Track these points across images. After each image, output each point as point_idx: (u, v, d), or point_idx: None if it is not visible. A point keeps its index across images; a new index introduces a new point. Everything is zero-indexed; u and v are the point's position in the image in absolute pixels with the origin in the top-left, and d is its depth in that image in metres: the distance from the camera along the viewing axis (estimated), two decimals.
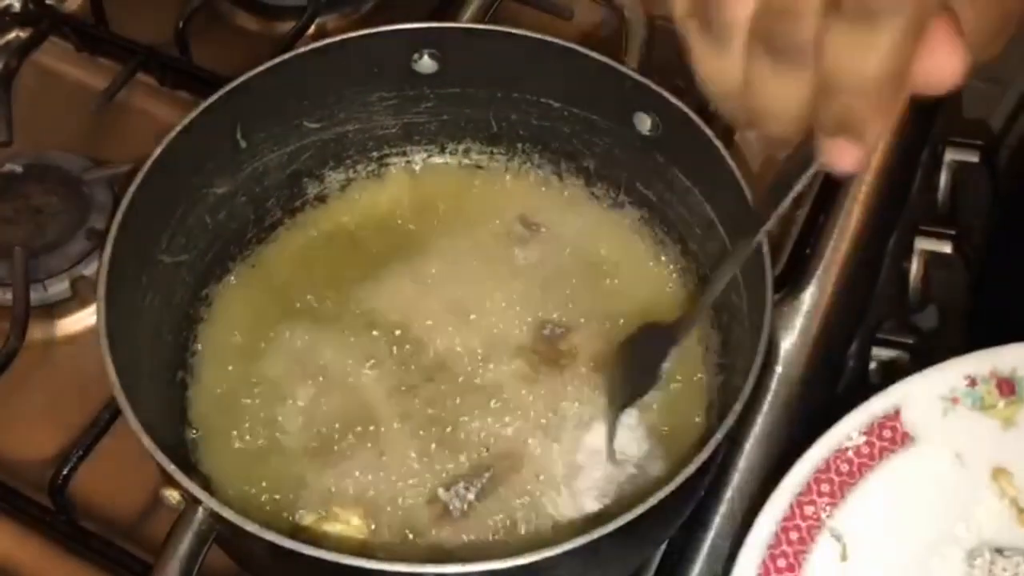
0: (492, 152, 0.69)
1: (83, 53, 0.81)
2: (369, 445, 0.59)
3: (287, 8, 0.82)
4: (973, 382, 0.52)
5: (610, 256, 0.65)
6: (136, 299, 0.57)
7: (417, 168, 0.69)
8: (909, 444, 0.51)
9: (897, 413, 0.52)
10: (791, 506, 0.49)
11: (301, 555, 0.46)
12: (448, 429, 0.59)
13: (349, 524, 0.56)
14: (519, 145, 0.68)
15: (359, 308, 0.63)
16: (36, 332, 0.68)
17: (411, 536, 0.56)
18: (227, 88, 0.60)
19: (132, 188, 0.56)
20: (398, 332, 0.62)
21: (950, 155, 0.82)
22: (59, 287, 0.69)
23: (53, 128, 0.77)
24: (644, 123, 0.62)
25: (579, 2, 0.79)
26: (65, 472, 0.60)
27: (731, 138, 0.75)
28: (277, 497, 0.57)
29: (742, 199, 0.56)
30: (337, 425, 0.59)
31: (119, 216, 0.55)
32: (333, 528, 0.56)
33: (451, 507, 0.57)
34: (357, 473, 0.58)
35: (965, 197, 0.83)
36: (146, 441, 0.49)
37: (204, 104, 0.59)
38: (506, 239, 0.66)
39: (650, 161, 0.63)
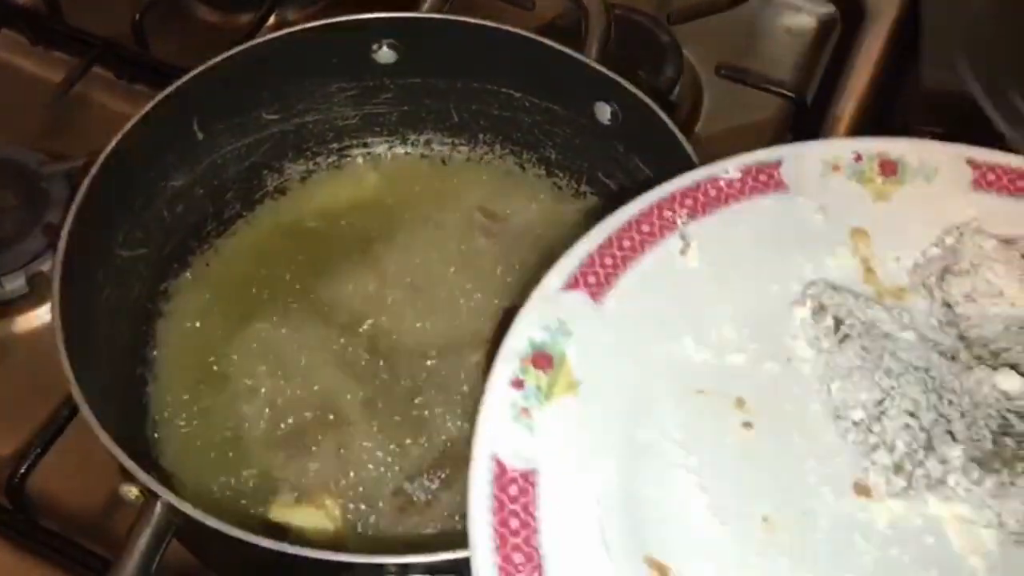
0: (453, 143, 0.69)
1: (38, 46, 0.80)
2: (333, 438, 0.59)
3: (246, 0, 0.82)
4: (859, 157, 0.54)
5: (571, 245, 0.65)
6: (93, 294, 0.57)
7: (378, 159, 0.69)
8: (781, 191, 0.53)
9: (778, 163, 0.53)
10: (651, 207, 0.51)
11: (260, 548, 0.46)
12: (412, 421, 0.59)
13: (323, 506, 0.55)
14: (480, 135, 0.68)
15: (321, 301, 0.63)
16: None
17: (375, 527, 0.56)
18: (184, 79, 0.60)
19: (87, 182, 0.56)
20: (360, 324, 0.62)
21: None
22: (15, 284, 0.68)
23: (8, 123, 0.76)
24: (604, 112, 0.62)
25: None
26: (23, 471, 0.59)
27: (691, 127, 0.76)
28: (241, 491, 0.57)
29: None
30: (300, 419, 0.59)
31: (73, 210, 0.55)
32: (306, 514, 0.55)
33: (415, 498, 0.57)
34: (322, 466, 0.58)
35: None
36: (103, 436, 0.49)
37: (160, 96, 0.59)
38: (468, 229, 0.66)
39: (611, 150, 0.63)
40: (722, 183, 0.52)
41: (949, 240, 0.53)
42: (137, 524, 0.48)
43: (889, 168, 0.54)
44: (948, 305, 0.51)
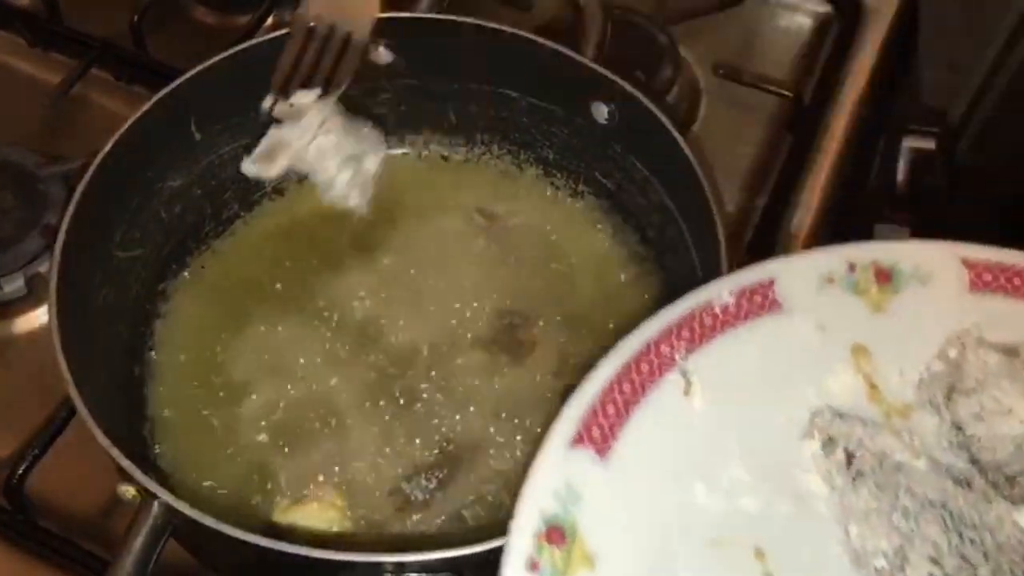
0: (451, 143, 0.69)
1: (36, 48, 0.80)
2: (331, 438, 0.59)
3: (244, 1, 0.82)
4: (852, 267, 0.53)
5: (569, 246, 0.65)
6: (90, 295, 0.57)
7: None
8: (777, 311, 0.52)
9: (772, 282, 0.52)
10: (647, 344, 0.50)
11: (257, 547, 0.46)
12: (409, 420, 0.59)
13: (323, 502, 0.55)
14: (478, 136, 0.68)
15: (319, 301, 0.63)
16: None
17: (372, 527, 0.56)
18: (181, 80, 0.60)
19: (84, 182, 0.56)
20: (358, 324, 0.62)
21: (908, 143, 0.83)
22: (14, 285, 0.68)
23: (6, 124, 0.76)
24: (601, 113, 0.62)
25: None
26: (21, 471, 0.59)
27: (688, 127, 0.76)
28: (238, 490, 0.57)
29: (699, 188, 0.56)
30: (298, 418, 0.59)
31: (70, 211, 0.55)
32: (306, 513, 0.55)
33: (412, 498, 0.57)
34: (319, 466, 0.58)
35: (923, 184, 0.84)
36: (101, 438, 0.49)
37: (157, 96, 0.59)
38: (466, 230, 0.66)
39: (608, 150, 0.63)
40: (717, 310, 0.51)
41: (952, 353, 0.52)
42: (134, 524, 0.48)
43: (884, 276, 0.53)
44: (957, 427, 0.50)
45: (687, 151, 0.57)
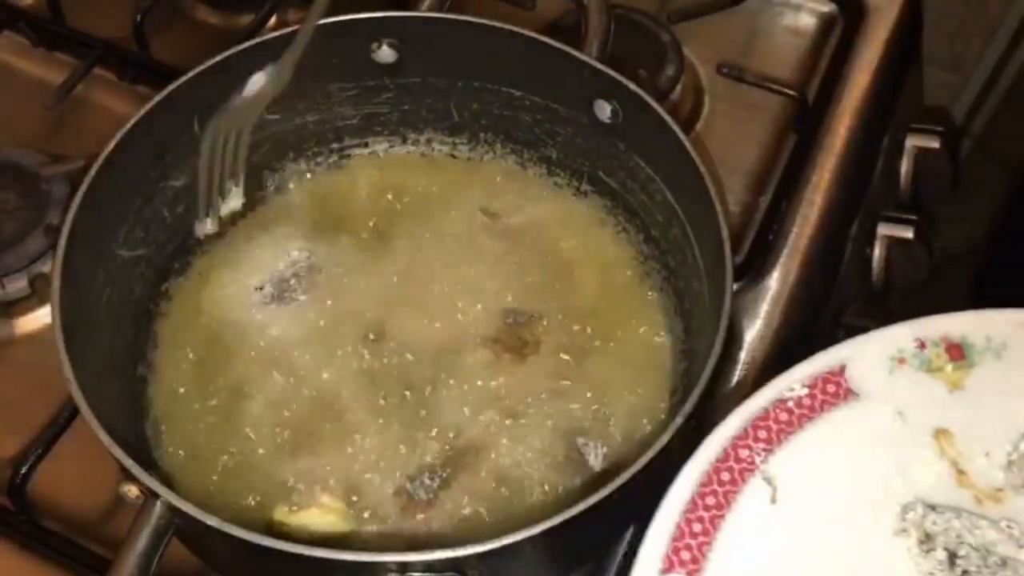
0: (454, 142, 0.69)
1: (39, 48, 0.80)
2: (335, 438, 0.59)
3: (247, 0, 0.82)
4: (922, 345, 0.52)
5: (573, 245, 0.65)
6: (93, 295, 0.57)
7: (379, 159, 0.69)
8: (852, 399, 0.51)
9: (842, 369, 0.51)
10: (725, 449, 0.49)
11: (260, 547, 0.46)
12: (414, 420, 0.59)
13: (325, 507, 0.55)
14: (481, 135, 0.68)
15: (322, 300, 0.63)
16: None
17: (377, 526, 0.56)
18: (184, 79, 0.60)
19: (87, 181, 0.56)
20: (362, 323, 0.62)
21: (911, 141, 0.83)
22: (17, 285, 0.68)
23: (9, 124, 0.76)
24: (604, 111, 0.62)
25: None
26: (24, 471, 0.59)
27: (692, 126, 0.76)
28: (241, 490, 0.57)
29: (702, 187, 0.56)
30: (302, 418, 0.59)
31: (73, 210, 0.55)
32: (310, 515, 0.55)
33: (417, 497, 0.57)
34: (323, 466, 0.58)
35: (926, 184, 0.84)
36: (104, 438, 0.49)
37: (160, 96, 0.59)
38: (469, 229, 0.66)
39: (611, 149, 0.63)
40: (791, 404, 0.50)
41: None
42: (137, 524, 0.48)
43: (956, 352, 0.52)
44: None
45: (691, 150, 0.57)
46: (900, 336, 0.52)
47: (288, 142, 0.67)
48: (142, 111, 0.58)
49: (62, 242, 0.54)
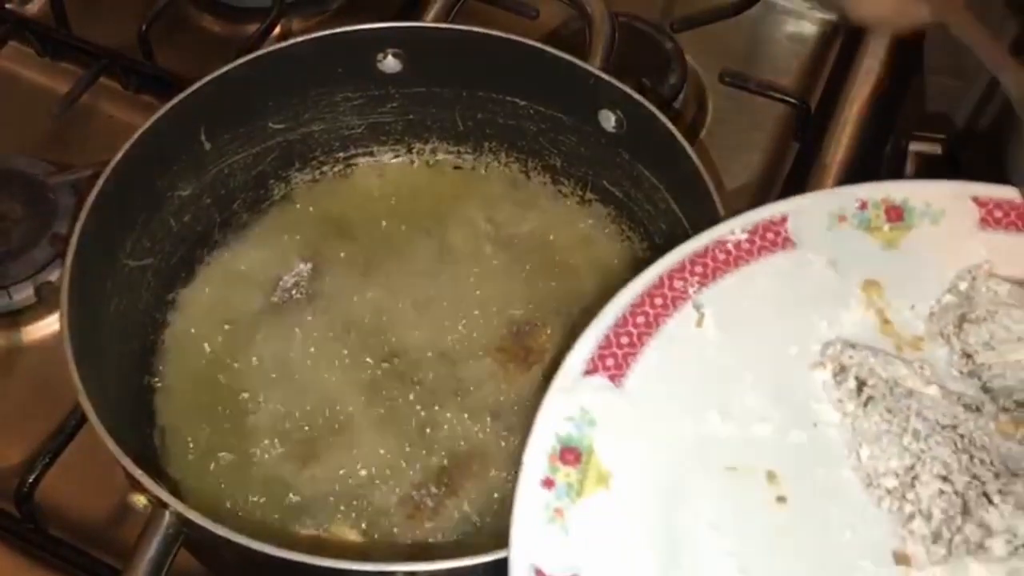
0: (459, 151, 0.69)
1: (45, 58, 0.80)
2: (340, 446, 0.59)
3: (251, 10, 0.82)
4: (864, 205, 0.53)
5: (577, 253, 0.65)
6: (101, 304, 0.57)
7: (384, 168, 0.69)
8: (789, 247, 0.52)
9: (784, 219, 0.53)
10: (661, 278, 0.50)
11: (268, 556, 0.46)
12: (419, 428, 0.59)
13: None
14: (486, 144, 0.68)
15: (328, 309, 0.63)
16: (0, 339, 0.68)
17: (383, 535, 0.56)
18: (190, 90, 0.60)
19: (94, 192, 0.56)
20: (367, 332, 0.62)
21: (914, 148, 0.83)
22: (24, 293, 0.68)
23: (15, 133, 0.77)
24: (609, 120, 0.62)
25: (544, 1, 0.79)
26: (31, 480, 0.59)
27: (695, 134, 0.76)
28: (248, 498, 0.57)
29: (706, 195, 0.56)
30: (308, 427, 0.59)
31: (81, 221, 0.55)
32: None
33: (423, 505, 0.57)
34: (329, 474, 0.58)
35: None
36: (112, 447, 0.49)
37: (167, 106, 0.59)
38: (473, 238, 0.66)
39: (616, 158, 0.63)
40: (730, 246, 0.52)
41: (963, 285, 0.52)
42: (145, 533, 0.48)
43: (895, 214, 0.53)
44: (968, 355, 0.51)
45: (694, 158, 0.57)
46: (844, 195, 0.54)
47: (294, 151, 0.67)
48: (149, 122, 0.58)
49: (70, 252, 0.54)
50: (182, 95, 0.60)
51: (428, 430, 0.59)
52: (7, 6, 0.81)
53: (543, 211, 0.67)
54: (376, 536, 0.56)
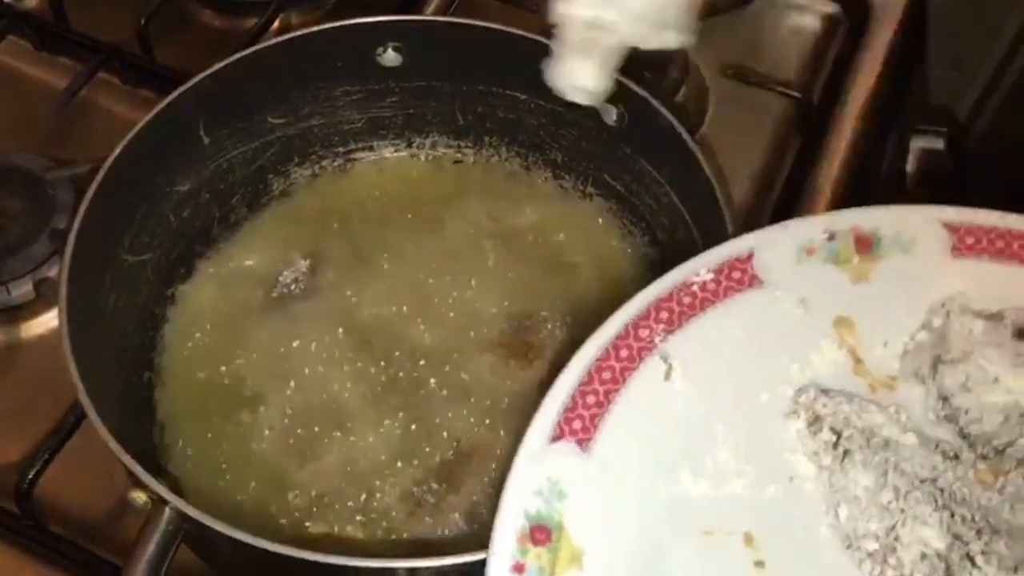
0: (459, 145, 0.69)
1: (43, 52, 0.80)
2: (341, 442, 0.59)
3: (250, 4, 0.82)
4: (832, 236, 0.51)
5: (578, 248, 0.65)
6: (99, 300, 0.57)
7: (384, 163, 0.69)
8: (756, 286, 0.50)
9: (750, 256, 0.51)
10: (626, 327, 0.48)
11: (268, 552, 0.46)
12: (420, 424, 0.59)
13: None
14: (486, 138, 0.68)
15: (327, 304, 0.63)
16: None
17: (385, 531, 0.56)
18: (189, 84, 0.60)
19: (93, 187, 0.56)
20: (367, 328, 0.62)
21: (916, 142, 0.83)
22: (22, 289, 0.68)
23: (13, 129, 0.76)
24: (610, 114, 0.62)
25: None
26: (31, 476, 0.59)
27: (697, 128, 0.76)
28: (248, 495, 0.57)
29: (708, 189, 0.56)
30: (308, 423, 0.59)
31: (80, 216, 0.55)
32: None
33: (424, 501, 0.57)
34: (329, 470, 0.58)
35: (931, 183, 0.84)
36: (111, 443, 0.49)
37: (165, 101, 0.59)
38: (474, 233, 0.66)
39: (617, 152, 0.63)
40: (696, 288, 0.50)
41: (936, 322, 0.51)
42: (145, 529, 0.48)
43: (864, 244, 0.51)
44: (944, 398, 0.50)
45: (696, 152, 0.57)
46: (811, 227, 0.52)
47: (293, 146, 0.67)
48: (147, 117, 0.58)
49: (69, 248, 0.54)
50: (181, 90, 0.59)
51: (428, 426, 0.59)
52: (5, 0, 0.81)
53: (544, 206, 0.67)
54: (377, 532, 0.56)
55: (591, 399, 0.47)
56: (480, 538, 0.53)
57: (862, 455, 0.47)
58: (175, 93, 0.59)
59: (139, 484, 0.48)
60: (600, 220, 0.66)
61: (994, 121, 1.20)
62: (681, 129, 0.58)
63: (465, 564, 0.46)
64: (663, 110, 0.59)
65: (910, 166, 0.82)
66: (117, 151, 0.57)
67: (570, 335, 0.62)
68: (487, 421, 0.59)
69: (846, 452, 0.48)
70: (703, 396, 0.48)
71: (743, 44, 0.80)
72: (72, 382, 0.50)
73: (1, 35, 0.79)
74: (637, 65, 0.69)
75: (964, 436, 0.49)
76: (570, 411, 0.46)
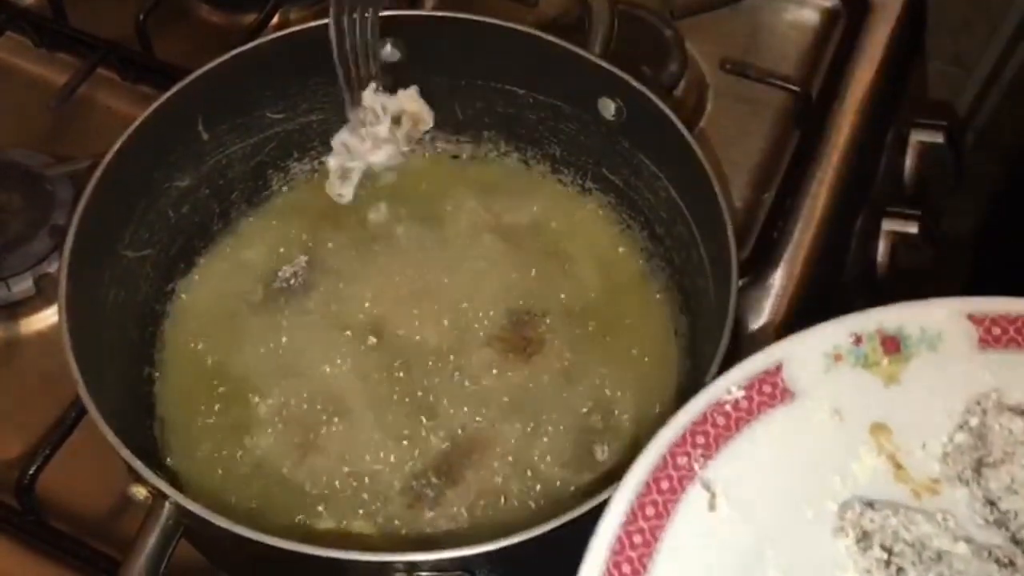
0: (458, 140, 0.69)
1: (42, 48, 0.80)
2: (341, 437, 0.59)
3: (249, 0, 0.82)
4: (858, 340, 0.51)
5: (577, 242, 0.65)
6: (99, 295, 0.57)
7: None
8: (789, 399, 0.50)
9: (779, 369, 0.50)
10: (664, 456, 0.48)
11: (268, 547, 0.46)
12: (419, 419, 0.59)
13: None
14: (485, 133, 0.68)
15: (327, 299, 0.63)
16: None
17: (385, 526, 0.56)
18: (187, 80, 0.60)
19: (92, 183, 0.56)
20: (366, 323, 0.62)
21: (915, 136, 0.83)
22: (23, 285, 0.68)
23: (12, 125, 0.76)
24: (608, 108, 0.62)
25: None
26: (31, 472, 0.59)
27: (695, 122, 0.76)
28: (248, 489, 0.57)
29: (706, 183, 0.56)
30: (308, 417, 0.59)
31: (79, 211, 0.55)
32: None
33: (423, 495, 0.57)
34: (329, 464, 0.58)
35: (931, 178, 0.84)
36: (112, 438, 0.49)
37: (164, 96, 0.59)
38: (472, 228, 0.66)
39: (616, 147, 0.63)
40: (728, 407, 0.49)
41: (973, 422, 0.50)
42: (146, 525, 0.48)
43: (891, 345, 0.51)
44: (991, 502, 0.49)
45: (695, 147, 0.57)
46: (836, 332, 0.52)
47: (292, 141, 0.67)
48: (146, 113, 0.58)
49: (68, 243, 0.54)
50: (179, 85, 0.59)
51: (427, 420, 0.59)
52: None
53: (542, 200, 0.67)
54: (377, 526, 0.56)
55: (637, 539, 0.46)
56: (479, 532, 0.54)
57: (915, 572, 0.47)
58: (174, 89, 0.59)
59: (139, 479, 0.48)
60: (599, 214, 0.66)
61: (993, 115, 1.20)
62: (680, 124, 0.58)
63: (465, 558, 0.46)
64: (661, 104, 0.58)
65: (909, 160, 0.82)
66: (116, 147, 0.57)
67: (569, 329, 0.62)
68: (486, 415, 0.59)
69: (899, 570, 0.47)
70: (748, 520, 0.47)
71: (742, 38, 0.80)
72: (72, 378, 0.50)
73: (0, 32, 0.79)
74: (635, 59, 0.70)
75: (1017, 542, 0.48)
76: (618, 554, 0.45)
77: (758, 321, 0.67)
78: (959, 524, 0.48)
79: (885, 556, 0.47)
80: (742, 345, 0.66)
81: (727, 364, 0.50)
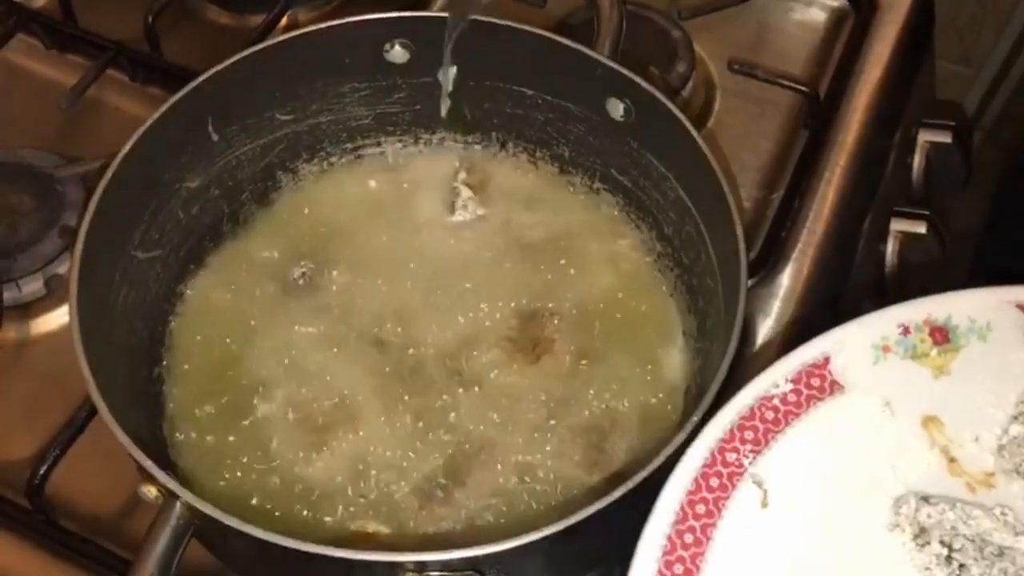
0: (466, 141, 0.69)
1: (52, 50, 0.80)
2: (350, 436, 0.59)
3: (258, 1, 0.82)
4: (906, 330, 0.50)
5: (585, 243, 0.65)
6: (109, 296, 0.57)
7: (391, 159, 0.69)
8: (837, 392, 0.49)
9: (826, 361, 0.50)
10: (712, 453, 0.47)
11: (279, 547, 0.46)
12: (428, 419, 0.59)
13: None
14: (493, 134, 0.68)
15: (336, 300, 0.63)
16: (10, 332, 0.68)
17: (396, 526, 0.56)
18: (198, 81, 0.60)
19: (102, 184, 0.56)
20: (376, 323, 0.62)
21: (924, 136, 0.82)
22: (33, 286, 0.69)
23: (23, 126, 0.77)
24: (617, 109, 0.62)
25: None
26: (42, 472, 0.59)
27: (704, 122, 0.76)
28: (259, 489, 0.57)
29: (715, 183, 0.56)
30: (317, 417, 0.59)
31: (90, 212, 0.55)
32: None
33: (433, 495, 0.57)
34: (339, 465, 0.58)
35: (939, 178, 0.84)
36: (122, 438, 0.49)
37: (174, 98, 0.59)
38: (482, 228, 0.66)
39: (624, 147, 0.63)
40: (776, 401, 0.48)
41: None
42: (156, 524, 0.48)
43: (940, 336, 0.50)
44: None
45: (703, 147, 0.57)
46: (883, 323, 0.51)
47: (301, 142, 0.67)
48: (157, 114, 0.58)
49: (79, 244, 0.54)
50: (189, 87, 0.59)
51: (437, 421, 0.59)
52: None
53: (551, 201, 0.67)
54: (386, 526, 0.56)
55: (688, 538, 0.45)
56: (489, 531, 0.54)
57: (978, 568, 0.46)
58: (184, 90, 0.59)
59: (150, 479, 0.49)
60: (607, 215, 0.66)
61: (1001, 114, 1.20)
62: (688, 124, 0.58)
63: (474, 558, 0.46)
64: (671, 105, 0.58)
65: (917, 160, 0.82)
66: (126, 148, 0.57)
67: (578, 329, 0.62)
68: (495, 416, 0.59)
69: (961, 566, 0.46)
70: (801, 517, 0.47)
71: (750, 38, 0.80)
72: (83, 378, 0.50)
73: (10, 34, 0.79)
74: (644, 60, 0.70)
75: None
76: (669, 554, 0.45)
77: (767, 321, 0.67)
78: (1017, 518, 0.47)
79: (945, 552, 0.46)
80: (749, 346, 0.66)
81: (736, 364, 0.50)
